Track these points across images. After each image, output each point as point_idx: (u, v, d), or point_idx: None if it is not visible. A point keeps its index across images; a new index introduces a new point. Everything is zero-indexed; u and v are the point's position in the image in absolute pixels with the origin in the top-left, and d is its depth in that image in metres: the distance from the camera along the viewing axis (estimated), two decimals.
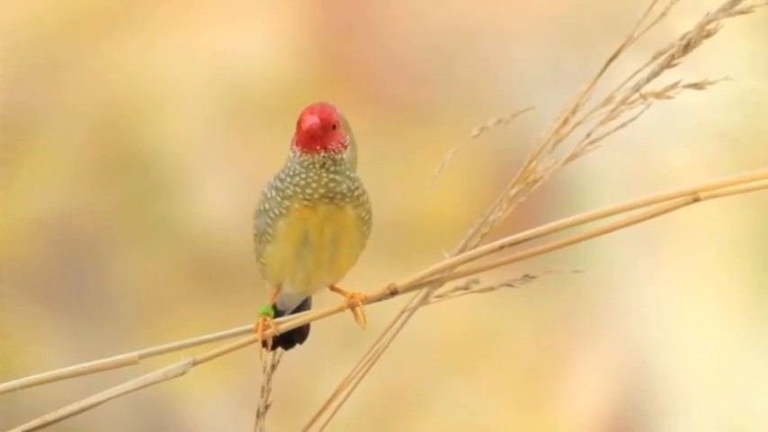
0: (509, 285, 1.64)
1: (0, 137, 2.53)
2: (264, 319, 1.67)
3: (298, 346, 1.77)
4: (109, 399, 1.64)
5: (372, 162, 2.45)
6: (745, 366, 2.51)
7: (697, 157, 2.50)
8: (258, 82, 2.55)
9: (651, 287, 2.54)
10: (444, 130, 2.51)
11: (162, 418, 2.51)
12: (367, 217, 1.66)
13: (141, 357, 1.66)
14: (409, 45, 2.56)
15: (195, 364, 1.65)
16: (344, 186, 1.64)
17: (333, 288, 1.70)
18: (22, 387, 1.64)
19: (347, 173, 1.65)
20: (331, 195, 1.63)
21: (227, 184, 2.54)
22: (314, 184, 1.64)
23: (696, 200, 1.59)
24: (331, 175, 1.64)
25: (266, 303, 1.70)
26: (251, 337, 1.67)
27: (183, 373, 1.65)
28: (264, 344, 1.71)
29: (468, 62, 2.56)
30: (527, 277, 1.63)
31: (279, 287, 1.70)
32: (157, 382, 1.65)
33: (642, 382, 2.54)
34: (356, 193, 1.65)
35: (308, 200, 1.63)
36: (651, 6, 1.57)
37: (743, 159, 2.47)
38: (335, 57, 2.57)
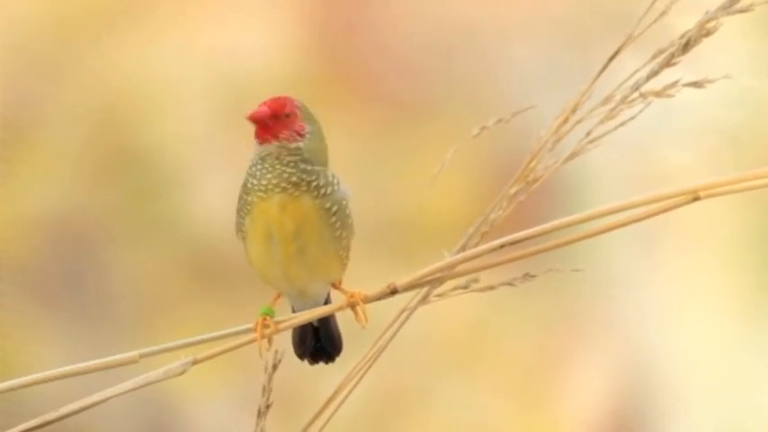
0: (509, 284, 1.64)
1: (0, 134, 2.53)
2: (264, 319, 1.67)
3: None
4: (109, 398, 1.64)
5: (372, 161, 2.46)
6: (745, 366, 2.51)
7: (696, 156, 2.50)
8: (258, 81, 2.55)
9: (651, 286, 2.54)
10: (444, 128, 2.51)
11: (162, 418, 2.51)
12: (335, 209, 1.64)
13: (141, 356, 1.66)
14: (409, 44, 2.56)
15: (195, 363, 1.65)
16: (296, 178, 1.64)
17: (334, 286, 1.70)
18: (23, 386, 1.65)
19: (302, 165, 1.65)
20: (283, 185, 1.63)
21: (226, 183, 2.54)
22: (268, 175, 1.63)
23: (696, 199, 1.59)
24: (283, 167, 1.64)
25: (267, 304, 1.70)
26: (251, 336, 1.67)
27: (183, 373, 1.65)
28: (300, 352, 1.73)
29: (469, 61, 2.56)
30: (527, 276, 1.63)
31: (276, 290, 1.70)
32: (158, 381, 1.65)
33: (642, 382, 2.54)
34: (314, 183, 1.64)
35: (263, 191, 1.63)
36: (651, 5, 1.57)
37: (742, 158, 2.47)
38: (335, 55, 2.57)
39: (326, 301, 1.73)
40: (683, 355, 2.53)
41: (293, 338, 1.75)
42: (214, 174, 2.55)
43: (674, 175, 2.46)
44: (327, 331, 1.75)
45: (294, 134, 1.65)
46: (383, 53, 2.57)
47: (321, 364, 1.79)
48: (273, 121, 1.65)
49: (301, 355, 1.75)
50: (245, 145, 2.52)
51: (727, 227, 2.52)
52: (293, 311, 1.73)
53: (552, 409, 2.52)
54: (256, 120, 1.64)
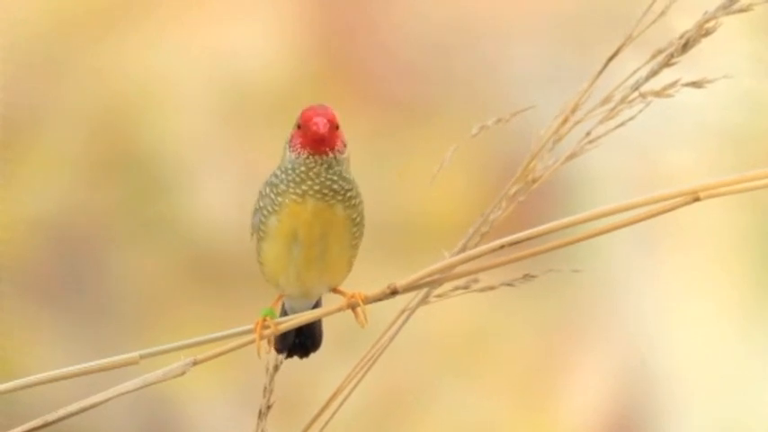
0: (509, 285, 1.64)
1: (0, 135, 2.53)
2: (264, 319, 1.68)
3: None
4: (109, 399, 1.64)
5: (372, 161, 2.46)
6: (745, 366, 2.51)
7: (697, 157, 2.50)
8: (257, 81, 2.55)
9: (651, 287, 2.54)
10: (444, 128, 2.51)
11: (162, 419, 2.51)
12: (358, 219, 1.67)
13: (142, 357, 1.66)
14: (409, 44, 2.56)
15: (195, 364, 1.65)
16: (337, 186, 1.65)
17: (334, 290, 1.70)
18: (23, 387, 1.65)
19: (343, 173, 1.66)
20: (324, 192, 1.64)
21: (226, 183, 2.54)
22: (309, 182, 1.65)
23: (696, 199, 1.59)
24: (329, 175, 1.65)
25: (269, 305, 1.70)
26: (251, 337, 1.67)
27: (183, 373, 1.65)
28: (280, 347, 1.73)
29: (469, 61, 2.55)
30: (527, 276, 1.63)
31: (281, 291, 1.71)
32: (158, 382, 1.65)
33: (642, 382, 2.54)
34: (348, 194, 1.66)
35: (300, 195, 1.64)
36: (651, 5, 1.57)
37: (743, 159, 2.47)
38: (335, 55, 2.57)
39: (318, 304, 1.74)
40: (683, 355, 2.53)
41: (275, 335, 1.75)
42: (214, 174, 2.55)
43: (675, 176, 2.46)
44: (310, 329, 1.76)
45: (342, 145, 1.67)
46: (383, 53, 2.57)
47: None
48: (331, 134, 1.66)
49: (280, 350, 1.76)
50: (245, 144, 2.52)
51: (728, 227, 2.52)
52: (285, 314, 1.73)
53: (552, 409, 2.52)
54: (323, 135, 1.65)
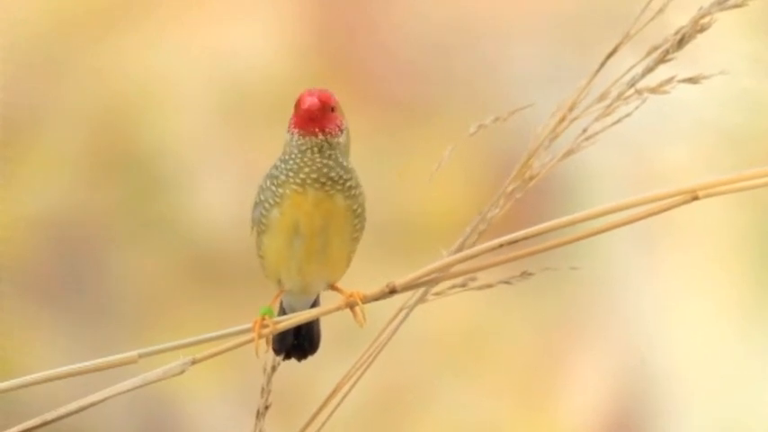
0: (507, 283, 1.64)
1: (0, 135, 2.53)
2: (263, 318, 1.68)
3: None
4: (108, 398, 1.64)
5: (372, 161, 2.46)
6: (744, 366, 2.51)
7: (695, 156, 2.50)
8: (257, 80, 2.55)
9: (650, 286, 2.54)
10: (443, 128, 2.52)
11: (161, 418, 2.51)
12: (359, 210, 1.66)
13: (141, 356, 1.66)
14: (408, 43, 2.56)
15: (194, 363, 1.66)
16: (335, 173, 1.65)
17: (332, 287, 1.70)
18: (23, 386, 1.65)
19: (340, 160, 1.65)
20: (322, 180, 1.64)
21: (226, 183, 2.54)
22: (306, 169, 1.64)
23: (695, 198, 1.59)
24: (324, 161, 1.64)
25: (267, 304, 1.70)
26: (250, 336, 1.67)
27: (181, 372, 1.65)
28: (278, 348, 1.73)
29: (467, 60, 2.56)
30: (525, 274, 1.63)
31: (280, 287, 1.70)
32: (156, 381, 1.65)
33: (641, 382, 2.53)
34: (348, 183, 1.65)
35: (300, 185, 1.64)
36: (649, 3, 1.57)
37: (741, 157, 2.47)
38: (335, 55, 2.57)
39: (316, 303, 1.74)
40: (682, 354, 2.53)
41: (274, 334, 1.75)
42: (214, 174, 2.55)
43: (673, 175, 2.46)
44: (309, 330, 1.76)
45: (336, 128, 1.66)
46: (383, 53, 2.57)
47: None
48: (321, 114, 1.65)
49: (278, 351, 1.76)
50: (245, 144, 2.52)
51: (726, 226, 2.52)
52: (284, 313, 1.73)
53: (552, 408, 2.52)
54: (312, 113, 1.64)
